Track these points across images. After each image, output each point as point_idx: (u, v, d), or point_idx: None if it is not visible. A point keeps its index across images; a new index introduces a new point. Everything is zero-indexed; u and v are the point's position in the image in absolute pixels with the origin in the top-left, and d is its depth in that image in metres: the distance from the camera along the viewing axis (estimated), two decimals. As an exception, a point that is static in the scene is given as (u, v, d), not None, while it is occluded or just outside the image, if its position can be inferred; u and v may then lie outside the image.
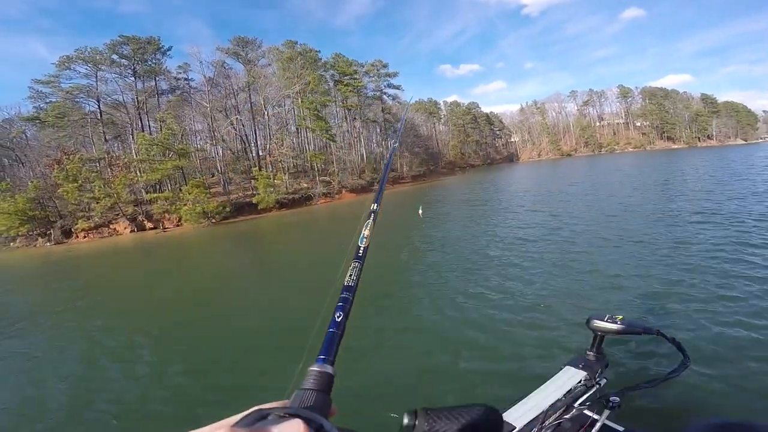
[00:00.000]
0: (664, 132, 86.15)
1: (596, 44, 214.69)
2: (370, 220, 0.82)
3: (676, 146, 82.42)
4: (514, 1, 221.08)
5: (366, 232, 0.76)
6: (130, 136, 35.21)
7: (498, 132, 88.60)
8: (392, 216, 17.89)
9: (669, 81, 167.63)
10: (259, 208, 29.25)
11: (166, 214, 28.05)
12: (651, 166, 33.64)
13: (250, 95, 39.19)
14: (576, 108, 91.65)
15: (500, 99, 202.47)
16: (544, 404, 1.67)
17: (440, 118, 77.99)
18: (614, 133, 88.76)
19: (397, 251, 10.57)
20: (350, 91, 45.83)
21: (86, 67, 32.96)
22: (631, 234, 9.55)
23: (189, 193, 27.24)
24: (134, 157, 31.92)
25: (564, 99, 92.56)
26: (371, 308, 6.45)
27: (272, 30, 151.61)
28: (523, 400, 1.75)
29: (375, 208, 0.87)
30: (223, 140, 39.70)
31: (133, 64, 35.53)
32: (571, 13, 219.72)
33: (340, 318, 0.55)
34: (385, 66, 51.64)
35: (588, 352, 1.98)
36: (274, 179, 32.39)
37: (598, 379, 1.86)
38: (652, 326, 1.77)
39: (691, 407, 3.16)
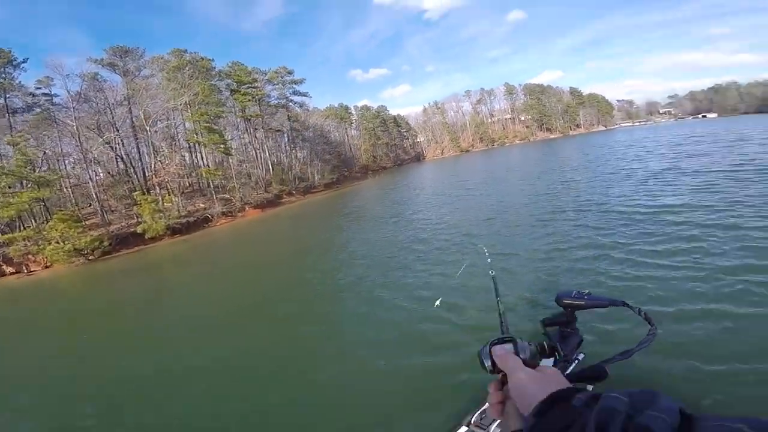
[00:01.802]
0: (543, 124, 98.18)
1: (488, 45, 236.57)
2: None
3: (553, 136, 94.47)
4: (416, 6, 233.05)
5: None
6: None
7: (405, 133, 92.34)
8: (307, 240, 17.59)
9: (545, 77, 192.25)
10: (146, 237, 26.13)
11: (29, 255, 23.78)
12: (535, 158, 37.81)
13: (130, 110, 35.13)
14: (471, 106, 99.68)
15: (406, 101, 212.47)
16: None
17: (351, 123, 78.67)
18: (503, 128, 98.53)
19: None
20: (249, 100, 43.76)
21: None
22: (543, 217, 10.71)
23: (54, 229, 23.41)
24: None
25: (460, 99, 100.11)
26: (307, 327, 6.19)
27: (165, 38, 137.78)
28: None
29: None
30: (98, 162, 34.99)
31: (-24, 80, 29.52)
32: (467, 15, 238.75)
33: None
34: (290, 73, 50.16)
35: (562, 329, 1.99)
36: (162, 203, 29.41)
37: (575, 356, 1.89)
38: (617, 298, 1.76)
39: (662, 374, 3.45)
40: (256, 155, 43.89)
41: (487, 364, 0.63)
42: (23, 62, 33.27)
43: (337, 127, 71.55)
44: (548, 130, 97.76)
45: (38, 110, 34.56)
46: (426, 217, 14.64)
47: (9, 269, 23.43)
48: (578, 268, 6.59)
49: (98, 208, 30.33)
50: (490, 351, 0.64)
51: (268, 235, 21.83)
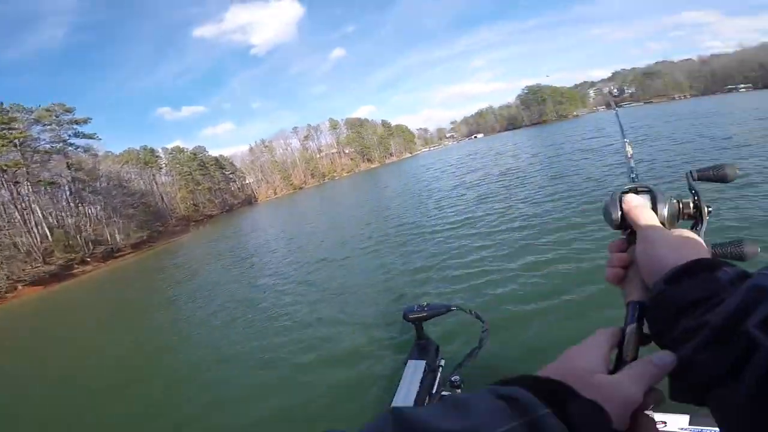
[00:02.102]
0: (365, 155, 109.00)
1: (312, 82, 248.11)
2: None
3: (374, 165, 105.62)
4: (244, 42, 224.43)
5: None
6: None
7: (231, 175, 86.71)
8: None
9: (362, 112, 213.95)
10: None
11: None
12: (362, 190, 40.28)
13: None
14: (299, 143, 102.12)
15: (231, 140, 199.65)
16: (410, 401, 1.67)
17: (160, 168, 68.79)
18: (332, 162, 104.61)
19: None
20: (3, 145, 33.17)
21: None
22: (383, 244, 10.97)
23: None
24: None
25: (288, 135, 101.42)
26: None
27: None
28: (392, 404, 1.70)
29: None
30: None
31: None
32: (293, 52, 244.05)
33: None
34: (68, 111, 40.73)
35: (418, 342, 2.04)
36: None
37: (438, 363, 1.92)
38: (450, 303, 1.95)
39: (502, 362, 3.83)
40: (23, 217, 33.11)
41: (615, 215, 0.52)
42: None
43: (140, 173, 61.47)
44: (369, 160, 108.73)
45: None
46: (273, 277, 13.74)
47: None
48: (409, 286, 7.32)
49: None
50: (620, 200, 0.53)
51: (57, 324, 16.20)
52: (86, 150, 44.52)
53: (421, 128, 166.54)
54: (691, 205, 0.53)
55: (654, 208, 0.50)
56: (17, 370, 9.16)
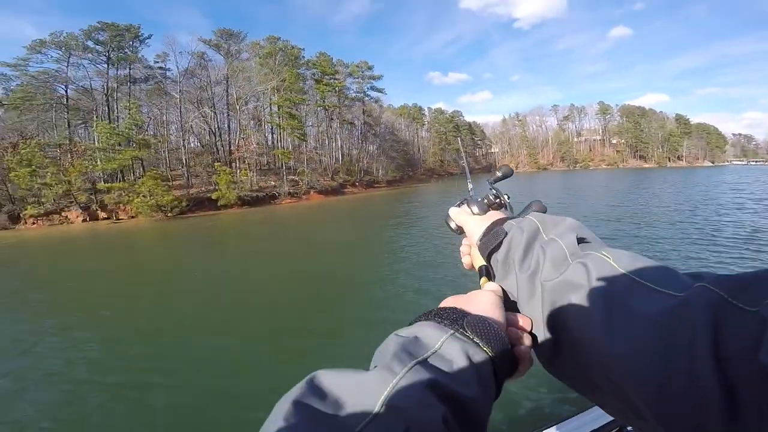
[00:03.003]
0: (637, 151, 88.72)
1: (583, 60, 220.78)
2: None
3: (647, 165, 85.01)
4: (506, 14, 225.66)
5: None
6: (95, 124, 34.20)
7: (479, 142, 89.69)
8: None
9: (647, 100, 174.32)
10: (219, 204, 28.52)
11: (121, 205, 27.26)
12: (622, 190, 33.72)
13: (227, 88, 38.62)
14: (556, 122, 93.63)
15: (485, 109, 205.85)
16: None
17: (423, 124, 78.48)
18: (590, 150, 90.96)
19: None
20: (329, 91, 45.58)
21: (58, 52, 31.88)
22: None
23: (144, 185, 26.45)
24: (95, 144, 30.95)
25: (545, 113, 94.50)
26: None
27: (268, 22, 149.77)
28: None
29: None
30: (193, 132, 38.88)
31: (108, 51, 34.57)
32: (563, 28, 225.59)
33: None
34: (370, 68, 51.51)
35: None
36: (239, 175, 31.79)
37: None
38: None
39: None
40: (329, 144, 45.56)
41: (452, 225, 0.71)
42: (148, 38, 38.11)
43: (408, 126, 71.75)
44: (642, 158, 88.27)
45: (153, 81, 39.46)
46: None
47: (102, 214, 26.99)
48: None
49: (185, 173, 33.78)
50: (448, 215, 0.71)
51: (325, 221, 22.37)
52: (376, 101, 55.63)
53: (740, 134, 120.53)
54: (492, 198, 0.68)
55: (470, 210, 0.67)
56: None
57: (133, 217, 26.51)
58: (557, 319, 0.40)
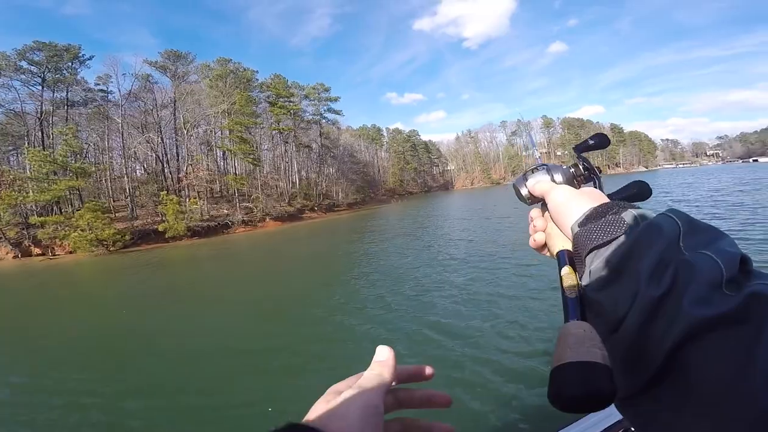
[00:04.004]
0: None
1: (527, 76, 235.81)
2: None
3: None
4: (456, 35, 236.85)
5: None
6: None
7: (435, 160, 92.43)
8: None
9: (585, 112, 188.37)
10: (166, 236, 27.08)
11: (57, 240, 25.13)
12: None
13: (174, 112, 37.24)
14: (506, 138, 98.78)
15: (440, 128, 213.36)
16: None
17: (382, 145, 79.76)
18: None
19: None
20: (284, 113, 45.27)
21: None
22: None
23: (82, 218, 24.63)
24: (26, 173, 28.50)
25: (495, 129, 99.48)
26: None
27: (223, 44, 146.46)
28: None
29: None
30: (137, 159, 36.98)
31: (43, 72, 32.29)
32: (507, 46, 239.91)
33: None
34: (326, 90, 51.84)
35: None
36: (188, 204, 30.41)
37: None
38: None
39: None
40: (285, 168, 44.95)
41: (524, 192, 0.59)
42: (89, 59, 36.11)
43: (367, 147, 72.69)
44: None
45: (94, 105, 37.22)
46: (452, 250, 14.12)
47: (36, 250, 24.75)
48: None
49: (129, 203, 31.85)
50: (524, 179, 0.60)
51: (283, 248, 21.83)
52: (333, 123, 55.94)
53: (667, 139, 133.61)
54: (582, 169, 0.58)
55: (552, 179, 0.56)
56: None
57: (71, 252, 24.51)
58: (693, 356, 0.30)
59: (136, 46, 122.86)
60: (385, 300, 8.69)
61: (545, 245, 0.54)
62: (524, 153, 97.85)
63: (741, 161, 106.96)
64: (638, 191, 0.52)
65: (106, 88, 38.50)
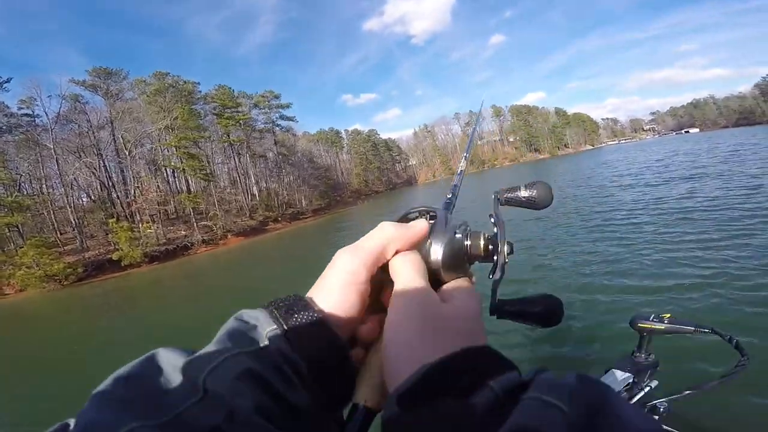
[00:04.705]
0: (531, 145, 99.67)
1: (473, 69, 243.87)
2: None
3: (542, 156, 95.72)
4: (403, 32, 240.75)
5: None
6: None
7: (397, 157, 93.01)
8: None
9: (529, 99, 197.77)
10: (122, 264, 25.30)
11: (3, 279, 23.05)
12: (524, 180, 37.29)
13: (113, 132, 34.74)
14: (460, 129, 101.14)
15: (398, 125, 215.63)
16: None
17: (342, 147, 79.06)
18: (493, 150, 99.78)
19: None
20: (233, 124, 43.56)
21: None
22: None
23: (25, 255, 22.62)
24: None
25: (449, 121, 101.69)
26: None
27: (159, 58, 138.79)
28: None
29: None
30: (78, 186, 34.32)
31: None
32: (452, 41, 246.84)
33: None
34: (276, 96, 50.56)
35: (636, 354, 1.84)
36: (142, 229, 28.56)
37: (647, 382, 1.75)
38: (704, 324, 1.64)
39: (748, 411, 2.85)
40: (241, 181, 43.30)
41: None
42: (6, 82, 33.01)
43: (327, 151, 71.86)
44: (536, 150, 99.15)
45: (20, 131, 33.95)
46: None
47: (-19, 293, 22.50)
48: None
49: (77, 234, 29.44)
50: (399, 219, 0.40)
51: (247, 265, 20.92)
52: (287, 130, 54.64)
53: (608, 118, 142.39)
54: (483, 239, 0.38)
55: (429, 239, 0.37)
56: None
57: (21, 290, 22.50)
58: None
59: (65, 66, 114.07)
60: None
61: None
62: (479, 142, 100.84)
63: (674, 133, 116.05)
64: (539, 311, 0.37)
65: (31, 112, 35.37)
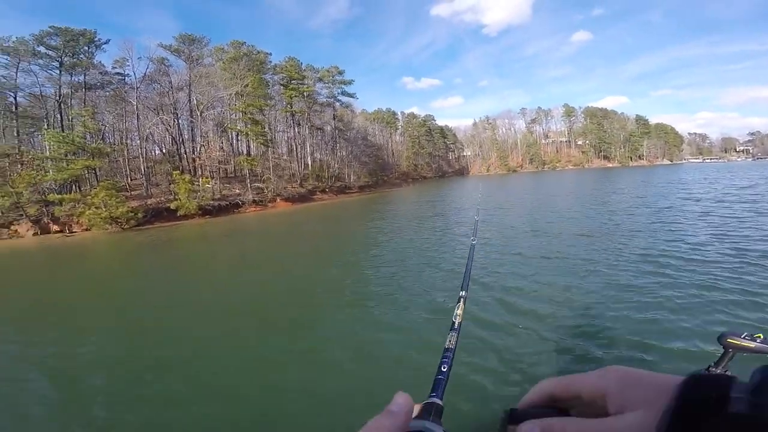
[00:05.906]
0: (601, 151, 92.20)
1: (548, 64, 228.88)
2: (461, 303, 0.91)
3: (611, 165, 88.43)
4: (475, 21, 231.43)
5: (459, 311, 0.87)
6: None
7: (451, 145, 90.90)
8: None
9: (608, 102, 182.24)
10: (178, 214, 27.54)
11: (74, 217, 25.93)
12: (589, 190, 34.19)
13: (189, 95, 37.55)
14: (524, 125, 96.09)
15: (457, 113, 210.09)
16: None
17: (397, 129, 78.77)
18: (557, 151, 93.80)
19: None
20: (296, 96, 45.01)
21: (6, 58, 30.11)
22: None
23: (96, 196, 25.26)
24: (45, 154, 29.37)
25: (514, 116, 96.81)
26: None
27: (240, 26, 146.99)
28: None
29: (463, 294, 0.95)
30: (153, 140, 37.61)
31: (61, 57, 32.92)
32: (528, 34, 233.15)
33: (445, 369, 0.60)
34: (340, 72, 51.16)
35: (711, 368, 1.84)
36: (201, 183, 30.81)
37: None
38: None
39: None
40: (297, 150, 44.97)
41: None
42: (105, 43, 36.57)
43: (382, 130, 71.90)
44: (606, 158, 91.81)
45: (111, 88, 37.82)
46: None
47: (54, 227, 25.56)
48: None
49: (143, 182, 32.54)
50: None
51: (291, 229, 21.86)
52: (347, 106, 55.40)
53: (695, 133, 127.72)
54: None
55: None
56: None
57: (87, 229, 25.20)
58: None
59: (157, 30, 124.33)
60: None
61: None
62: (543, 141, 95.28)
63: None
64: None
65: (122, 72, 39.03)
